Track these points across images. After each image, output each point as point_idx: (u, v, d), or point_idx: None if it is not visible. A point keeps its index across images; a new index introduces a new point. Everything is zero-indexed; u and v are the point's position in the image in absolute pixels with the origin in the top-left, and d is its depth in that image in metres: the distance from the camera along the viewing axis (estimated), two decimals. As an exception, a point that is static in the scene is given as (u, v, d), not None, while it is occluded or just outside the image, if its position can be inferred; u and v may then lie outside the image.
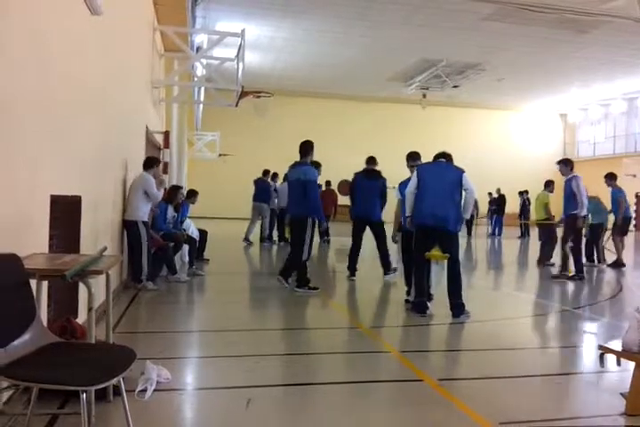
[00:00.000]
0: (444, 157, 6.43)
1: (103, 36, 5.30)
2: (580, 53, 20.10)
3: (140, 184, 7.16)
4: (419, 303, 6.06)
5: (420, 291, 6.08)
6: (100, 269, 2.99)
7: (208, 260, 9.93)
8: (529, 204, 20.55)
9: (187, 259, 8.72)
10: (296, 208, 7.32)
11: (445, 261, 6.11)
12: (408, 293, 6.66)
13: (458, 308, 5.96)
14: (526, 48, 19.65)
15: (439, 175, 6.20)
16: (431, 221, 6.02)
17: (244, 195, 14.61)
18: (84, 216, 4.66)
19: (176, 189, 8.79)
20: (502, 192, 21.80)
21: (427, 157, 6.60)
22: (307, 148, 7.48)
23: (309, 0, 15.84)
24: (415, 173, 6.30)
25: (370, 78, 25.36)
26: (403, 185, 6.84)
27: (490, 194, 22.53)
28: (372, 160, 8.68)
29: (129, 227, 7.14)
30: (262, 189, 14.37)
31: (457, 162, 6.47)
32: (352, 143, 27.55)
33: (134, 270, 7.24)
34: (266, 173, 14.85)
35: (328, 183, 15.61)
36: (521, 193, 21.23)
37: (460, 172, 6.19)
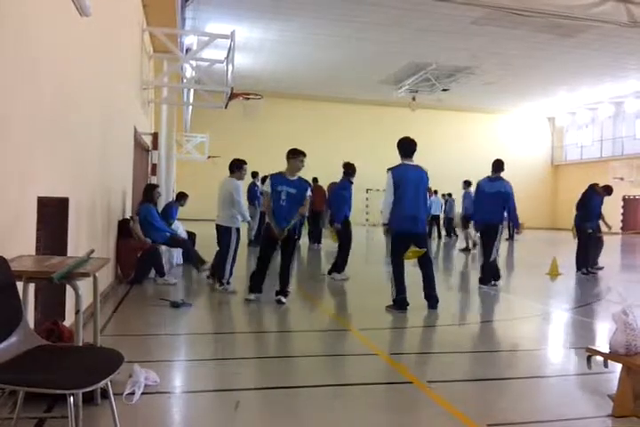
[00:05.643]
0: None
1: (92, 37, 5.27)
2: (568, 57, 20.27)
3: (227, 190, 7.25)
4: (400, 300, 6.42)
5: (400, 289, 6.47)
6: (88, 272, 2.97)
7: (197, 262, 9.85)
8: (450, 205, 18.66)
9: (175, 262, 8.66)
10: (491, 216, 8.09)
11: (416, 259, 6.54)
12: (252, 289, 6.81)
13: (435, 299, 6.53)
14: (515, 52, 19.80)
15: (415, 178, 6.50)
16: (412, 227, 6.46)
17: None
18: (72, 218, 4.63)
19: (152, 187, 8.61)
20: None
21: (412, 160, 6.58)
22: (499, 164, 8.34)
23: (300, 2, 15.86)
24: (390, 177, 6.48)
25: (360, 81, 25.42)
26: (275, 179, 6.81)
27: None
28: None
29: (222, 232, 7.33)
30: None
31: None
32: (342, 145, 27.61)
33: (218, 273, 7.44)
34: (254, 175, 14.84)
35: (315, 180, 15.58)
36: (443, 195, 19.16)
37: (425, 171, 6.59)
